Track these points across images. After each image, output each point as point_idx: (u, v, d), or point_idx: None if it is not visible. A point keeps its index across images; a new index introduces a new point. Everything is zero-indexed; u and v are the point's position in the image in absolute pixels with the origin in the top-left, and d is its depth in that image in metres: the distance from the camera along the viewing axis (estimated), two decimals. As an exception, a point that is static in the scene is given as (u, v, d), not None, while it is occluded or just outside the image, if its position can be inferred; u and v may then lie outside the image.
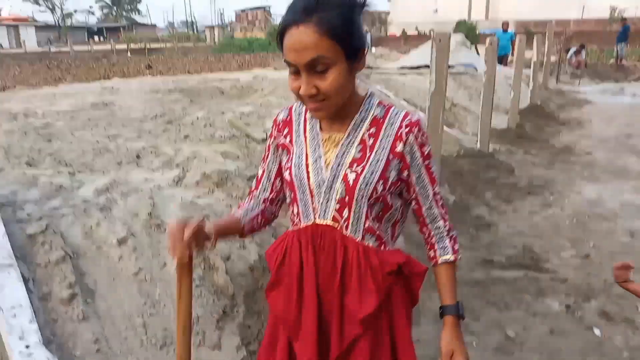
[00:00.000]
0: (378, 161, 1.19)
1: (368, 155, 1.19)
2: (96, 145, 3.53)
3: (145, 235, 2.37)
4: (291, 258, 1.28)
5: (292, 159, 1.27)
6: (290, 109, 1.34)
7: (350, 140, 1.21)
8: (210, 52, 33.67)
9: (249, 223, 1.36)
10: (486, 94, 5.60)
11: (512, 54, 13.77)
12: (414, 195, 1.26)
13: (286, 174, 1.28)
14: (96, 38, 49.90)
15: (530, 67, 9.52)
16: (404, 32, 39.16)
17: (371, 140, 1.20)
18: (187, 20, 73.23)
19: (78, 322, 1.98)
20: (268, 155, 1.38)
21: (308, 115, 1.28)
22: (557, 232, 3.98)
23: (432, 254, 1.31)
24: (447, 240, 1.30)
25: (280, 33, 1.11)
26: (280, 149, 1.33)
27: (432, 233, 1.30)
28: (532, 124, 8.10)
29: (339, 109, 1.17)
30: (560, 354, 2.51)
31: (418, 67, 10.32)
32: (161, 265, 2.30)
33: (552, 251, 3.62)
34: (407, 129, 1.20)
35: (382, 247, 1.25)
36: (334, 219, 1.21)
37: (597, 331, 2.69)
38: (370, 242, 1.23)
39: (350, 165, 1.19)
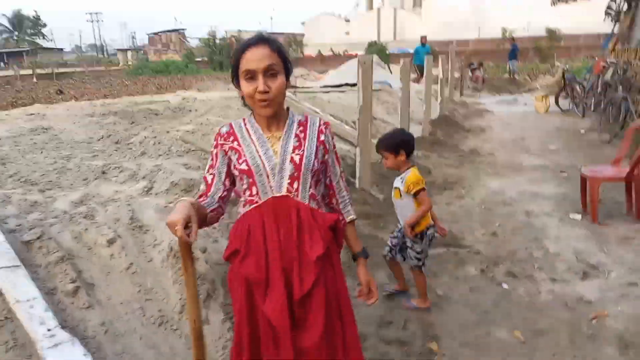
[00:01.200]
0: (311, 146, 1.68)
1: (304, 143, 1.67)
2: (54, 165, 3.72)
3: (130, 236, 2.69)
4: (256, 230, 1.63)
5: (245, 154, 1.65)
6: (230, 124, 1.74)
7: (288, 135, 1.67)
8: (124, 75, 32.75)
9: (212, 213, 1.68)
10: (403, 107, 6.37)
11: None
12: (328, 173, 1.78)
13: (243, 166, 1.63)
14: (-5, 64, 46.35)
15: (437, 83, 10.65)
16: (319, 52, 40.70)
17: (302, 134, 1.69)
18: (96, 44, 70.35)
19: (85, 310, 2.27)
20: (215, 161, 1.72)
21: (248, 125, 1.70)
22: (470, 217, 4.74)
23: (340, 217, 1.80)
24: (349, 206, 1.85)
25: (241, 52, 1.60)
26: (229, 152, 1.68)
27: (339, 201, 1.81)
28: (443, 132, 9.09)
29: (275, 112, 1.63)
30: (479, 304, 3.15)
31: (339, 86, 11.13)
32: (148, 260, 2.63)
33: (467, 231, 4.34)
34: (324, 126, 1.76)
35: (319, 209, 1.72)
36: (287, 191, 1.63)
37: (505, 286, 3.38)
38: (313, 205, 1.68)
39: (293, 151, 1.64)
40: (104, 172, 3.45)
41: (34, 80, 29.46)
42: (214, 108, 6.97)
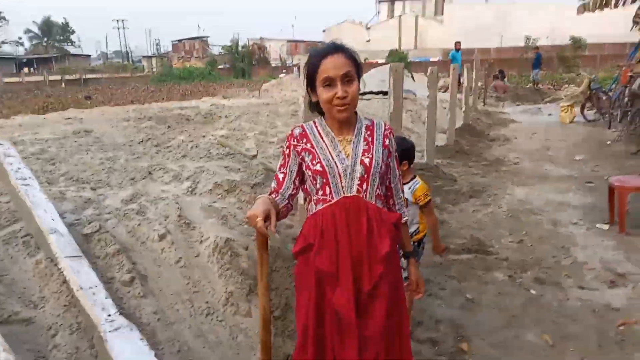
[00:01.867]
0: (378, 150, 1.78)
1: (372, 147, 1.78)
2: (102, 165, 3.94)
3: (179, 232, 2.86)
4: (329, 226, 1.74)
5: (319, 156, 1.76)
6: (302, 126, 1.86)
7: (358, 139, 1.79)
8: (149, 82, 33.48)
9: (283, 209, 1.82)
10: (430, 115, 6.48)
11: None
12: (389, 175, 1.87)
13: (317, 167, 1.75)
14: (26, 69, 47.82)
15: (462, 92, 10.71)
16: (340, 60, 40.78)
17: (370, 138, 1.80)
18: (121, 51, 72.02)
19: (140, 299, 2.44)
20: (288, 161, 1.83)
21: (320, 128, 1.81)
22: (497, 224, 4.81)
23: (400, 216, 1.90)
24: (404, 208, 1.96)
25: (318, 60, 1.70)
26: (302, 153, 1.79)
27: (396, 202, 1.92)
28: (467, 141, 9.14)
29: (349, 116, 1.75)
30: (508, 308, 3.24)
31: (363, 94, 11.27)
32: (196, 254, 2.80)
33: (494, 239, 4.42)
34: (388, 131, 1.86)
35: (385, 208, 1.85)
36: (357, 191, 1.75)
37: (533, 291, 3.45)
38: (379, 204, 1.80)
39: (363, 154, 1.76)
40: (150, 173, 3.65)
41: (63, 85, 30.36)
42: (245, 114, 7.18)
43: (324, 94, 1.70)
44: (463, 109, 10.53)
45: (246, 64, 40.38)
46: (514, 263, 3.90)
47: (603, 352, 2.78)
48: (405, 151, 2.86)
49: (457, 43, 15.56)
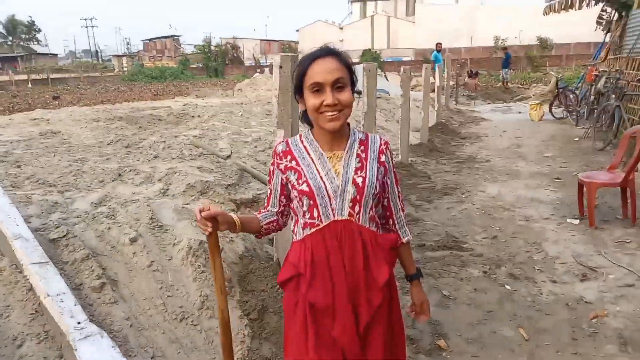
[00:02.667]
0: (372, 168, 1.59)
1: (365, 164, 1.58)
2: (69, 168, 3.81)
3: (150, 235, 2.78)
4: (320, 254, 1.56)
5: (305, 175, 1.57)
6: (287, 141, 1.67)
7: (350, 155, 1.59)
8: (119, 81, 32.79)
9: (267, 225, 1.72)
10: (404, 114, 6.52)
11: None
12: (387, 193, 1.68)
13: (303, 186, 1.55)
14: (-11, 69, 46.15)
15: (433, 91, 10.84)
16: (314, 60, 40.82)
17: (364, 155, 1.60)
18: (90, 49, 70.27)
19: (110, 305, 2.36)
20: (272, 178, 1.69)
21: (306, 143, 1.62)
22: (471, 221, 4.87)
23: (398, 238, 1.71)
24: (406, 227, 1.75)
25: (307, 64, 1.52)
26: (286, 172, 1.61)
27: (396, 222, 1.71)
28: (440, 139, 9.26)
29: (341, 128, 1.54)
30: (483, 303, 3.28)
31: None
32: (168, 258, 2.72)
33: (469, 235, 4.47)
34: (385, 146, 1.65)
35: (379, 231, 1.64)
36: (349, 214, 1.55)
37: (507, 287, 3.50)
38: (373, 227, 1.61)
39: (356, 172, 1.56)
40: (119, 175, 3.54)
41: (29, 85, 29.43)
42: (218, 114, 7.09)
43: (311, 100, 1.52)
44: (436, 108, 10.65)
45: (219, 63, 39.99)
46: (489, 259, 3.95)
47: (577, 345, 2.83)
48: None
49: (439, 44, 15.72)
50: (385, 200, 1.70)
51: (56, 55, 62.88)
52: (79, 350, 2.01)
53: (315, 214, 1.57)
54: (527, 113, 12.30)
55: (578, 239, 4.35)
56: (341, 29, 54.76)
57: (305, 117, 1.65)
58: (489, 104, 16.53)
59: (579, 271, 3.73)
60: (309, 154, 1.61)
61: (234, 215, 1.61)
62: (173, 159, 3.98)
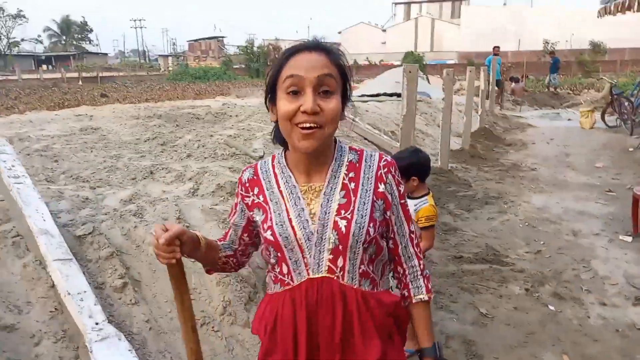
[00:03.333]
0: (364, 204, 1.18)
1: (353, 199, 1.17)
2: (104, 164, 3.83)
3: (176, 236, 2.72)
4: (284, 320, 1.20)
5: (271, 217, 1.20)
6: (255, 167, 1.29)
7: (332, 187, 1.19)
8: (164, 80, 33.68)
9: (224, 258, 1.37)
10: (445, 118, 6.28)
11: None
12: (391, 234, 1.26)
13: (268, 234, 1.19)
14: (44, 67, 48.56)
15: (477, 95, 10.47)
16: (355, 62, 40.82)
17: (352, 184, 1.19)
18: (138, 49, 72.76)
19: (131, 306, 2.30)
20: (235, 212, 1.34)
21: (277, 170, 1.24)
22: (513, 233, 4.60)
23: (405, 293, 1.28)
24: (421, 279, 1.28)
25: (285, 57, 1.14)
26: (253, 209, 1.26)
27: (407, 272, 1.28)
28: (482, 145, 8.91)
29: (321, 148, 1.14)
30: (524, 324, 3.04)
31: (377, 95, 11.10)
32: (192, 260, 2.65)
33: (510, 249, 4.21)
34: (385, 170, 1.22)
35: (375, 289, 1.23)
36: (329, 270, 1.16)
37: (551, 307, 3.25)
38: (366, 286, 1.20)
39: (338, 212, 1.16)
40: (152, 172, 3.52)
41: (80, 83, 30.68)
42: (255, 114, 7.06)
43: (284, 104, 1.12)
44: (479, 113, 10.29)
45: (261, 64, 40.43)
46: (531, 275, 3.69)
47: (628, 376, 2.58)
48: (415, 165, 2.50)
49: (496, 48, 14.32)
50: (391, 241, 1.27)
51: (106, 54, 65.49)
52: (95, 352, 1.95)
53: (285, 270, 1.21)
54: (577, 120, 11.71)
55: (631, 258, 4.01)
56: (384, 31, 54.36)
57: (277, 133, 1.23)
58: (536, 109, 15.88)
59: (631, 294, 3.42)
60: (278, 187, 1.23)
61: (197, 232, 1.27)
62: (205, 158, 3.93)
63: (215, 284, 2.57)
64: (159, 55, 62.39)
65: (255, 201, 1.25)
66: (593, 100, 14.91)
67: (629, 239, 4.38)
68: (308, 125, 1.09)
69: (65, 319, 2.13)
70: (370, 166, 1.23)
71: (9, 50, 53.53)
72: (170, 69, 46.19)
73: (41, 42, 64.30)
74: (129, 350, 2.03)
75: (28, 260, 2.29)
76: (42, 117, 6.91)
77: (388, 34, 52.18)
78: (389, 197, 1.22)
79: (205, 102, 11.44)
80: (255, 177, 1.27)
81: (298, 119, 1.10)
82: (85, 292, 2.20)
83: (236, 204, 1.34)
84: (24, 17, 56.23)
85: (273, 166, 1.26)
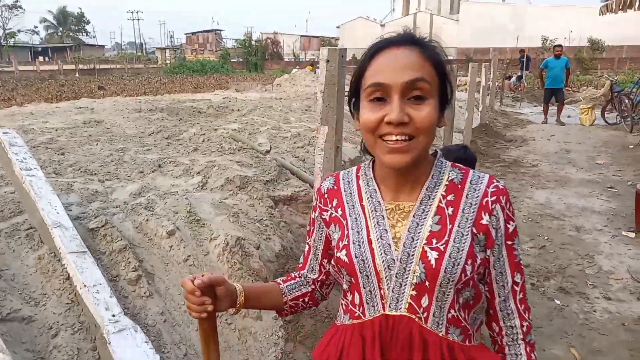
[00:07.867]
0: (463, 235, 0.95)
1: (449, 227, 0.96)
2: (111, 157, 3.83)
3: (188, 229, 2.73)
4: (350, 359, 1.01)
5: (348, 235, 1.02)
6: (337, 176, 1.12)
7: (424, 209, 0.98)
8: (162, 73, 33.51)
9: (292, 301, 1.19)
10: (447, 115, 6.28)
11: (567, 86, 12.01)
12: (489, 279, 1.02)
13: (342, 254, 1.02)
14: (41, 58, 48.21)
15: (479, 92, 10.48)
16: (353, 57, 40.74)
17: (450, 210, 0.98)
18: (135, 42, 72.33)
19: (145, 298, 2.31)
20: (313, 230, 1.17)
21: (362, 182, 1.07)
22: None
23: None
24: (522, 346, 1.05)
25: (370, 55, 0.96)
26: (330, 224, 1.10)
27: (504, 332, 1.05)
28: (484, 141, 8.94)
29: (413, 163, 0.95)
30: (532, 318, 3.07)
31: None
32: (205, 253, 2.66)
33: (515, 244, 4.24)
34: (493, 198, 0.98)
35: (467, 342, 1.00)
36: (409, 308, 0.96)
37: (557, 301, 3.28)
38: (455, 336, 0.97)
39: (429, 241, 0.95)
40: (159, 166, 3.53)
41: (77, 75, 30.47)
42: (257, 108, 7.05)
43: (366, 113, 0.95)
44: (480, 109, 10.31)
45: (259, 57, 40.31)
46: (536, 270, 3.73)
47: (634, 370, 2.61)
48: (460, 161, 2.12)
49: (558, 47, 11.95)
50: (487, 291, 1.03)
51: (103, 46, 65.11)
52: (112, 343, 1.96)
53: (357, 300, 1.02)
54: (577, 117, 11.75)
55: (634, 253, 4.05)
56: (382, 26, 54.22)
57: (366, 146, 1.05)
58: (535, 106, 15.91)
59: (636, 289, 3.46)
60: (361, 201, 1.05)
61: (237, 285, 1.09)
62: (212, 152, 3.94)
63: (227, 276, 2.57)
64: (156, 48, 62.03)
65: (333, 215, 1.08)
66: (593, 97, 14.95)
67: (632, 234, 4.41)
68: (395, 138, 0.92)
69: (81, 311, 2.14)
70: (475, 190, 0.99)
71: (5, 42, 53.12)
72: (167, 61, 45.97)
73: (37, 34, 63.93)
74: (146, 342, 2.04)
75: (42, 252, 2.30)
76: (42, 110, 6.89)
77: (386, 28, 52.03)
78: (493, 233, 0.97)
79: (205, 96, 11.42)
80: (335, 187, 1.10)
81: (382, 130, 0.93)
82: (100, 284, 2.21)
83: (313, 220, 1.16)
84: (20, 7, 55.79)
85: (357, 177, 1.09)
